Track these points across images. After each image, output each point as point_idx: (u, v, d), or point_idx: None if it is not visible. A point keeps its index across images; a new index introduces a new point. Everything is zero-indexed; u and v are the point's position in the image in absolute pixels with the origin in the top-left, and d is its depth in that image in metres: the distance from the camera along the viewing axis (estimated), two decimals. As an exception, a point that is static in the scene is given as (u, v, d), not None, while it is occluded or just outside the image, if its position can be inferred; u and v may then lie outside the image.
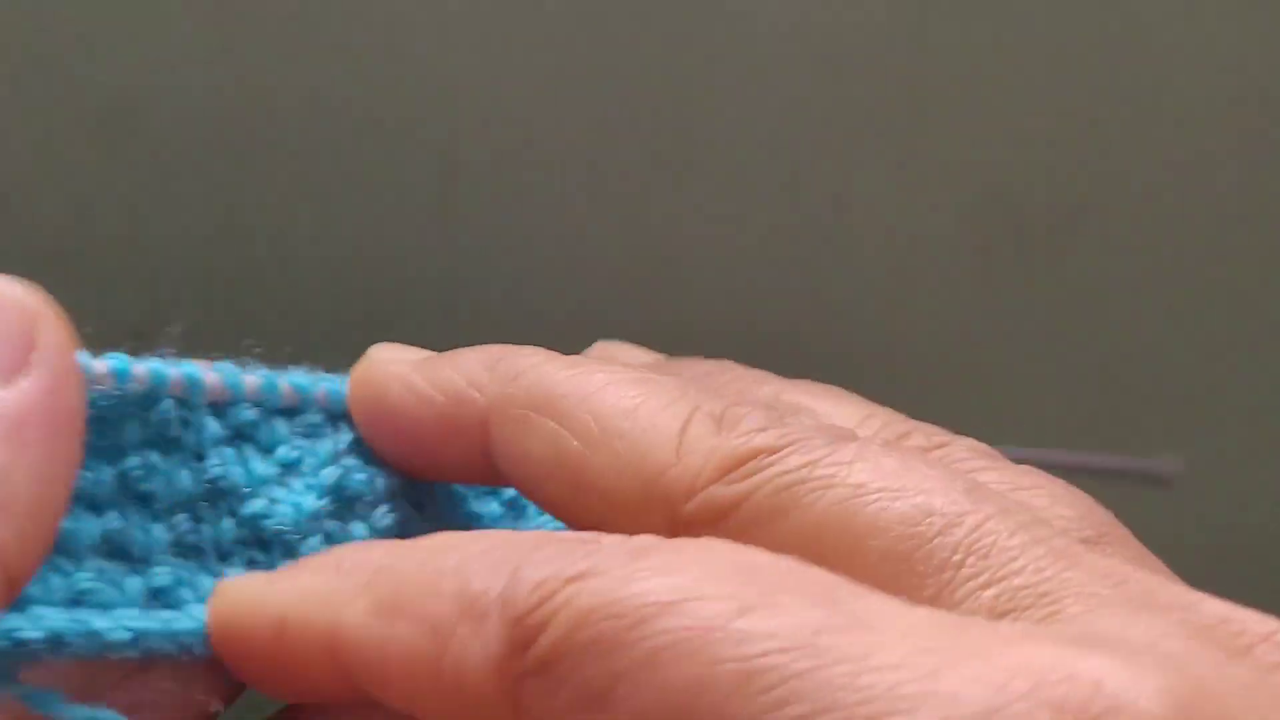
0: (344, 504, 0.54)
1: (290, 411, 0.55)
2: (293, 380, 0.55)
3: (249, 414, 0.53)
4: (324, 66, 0.83)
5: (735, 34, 0.85)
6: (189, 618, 0.49)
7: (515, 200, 0.87)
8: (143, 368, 0.51)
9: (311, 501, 0.53)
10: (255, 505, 0.52)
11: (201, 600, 0.50)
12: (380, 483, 0.54)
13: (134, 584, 0.49)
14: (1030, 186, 0.89)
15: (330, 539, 0.53)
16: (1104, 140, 0.88)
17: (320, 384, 0.55)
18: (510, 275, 0.85)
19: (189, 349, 0.54)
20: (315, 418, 0.55)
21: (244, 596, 0.48)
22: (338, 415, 0.55)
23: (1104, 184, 0.89)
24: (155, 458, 0.51)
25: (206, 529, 0.51)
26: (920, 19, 0.85)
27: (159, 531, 0.50)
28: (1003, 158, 0.88)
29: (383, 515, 0.54)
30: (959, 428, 0.54)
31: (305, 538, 0.52)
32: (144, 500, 0.51)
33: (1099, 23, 0.86)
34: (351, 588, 0.44)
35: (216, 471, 0.52)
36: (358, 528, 0.53)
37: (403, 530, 0.54)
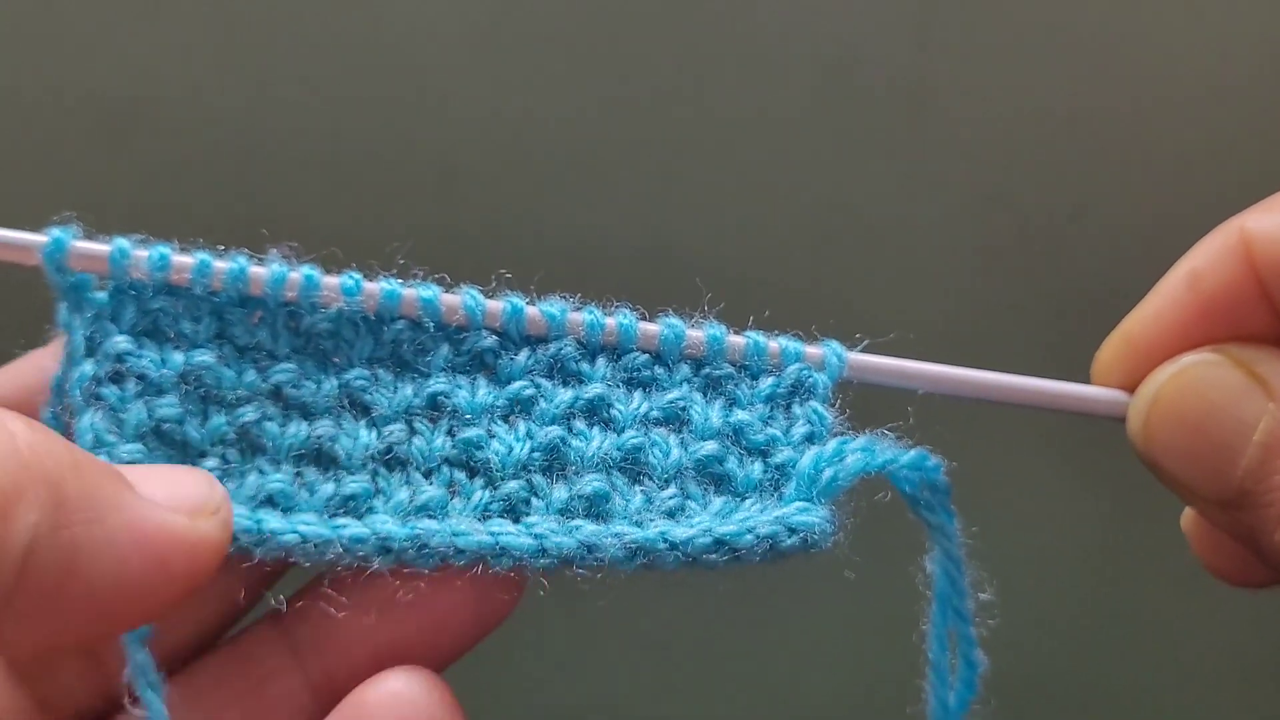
0: (555, 466, 0.54)
1: (536, 341, 0.54)
2: (544, 308, 0.54)
3: (488, 342, 0.54)
4: (325, 67, 0.84)
5: (736, 36, 0.85)
6: (364, 528, 0.51)
7: (516, 200, 0.87)
8: (374, 287, 0.52)
9: (524, 451, 0.53)
10: (471, 432, 0.53)
11: (392, 512, 0.52)
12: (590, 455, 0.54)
13: (326, 489, 0.52)
14: (1030, 186, 0.89)
15: (532, 490, 0.53)
16: (1104, 140, 0.88)
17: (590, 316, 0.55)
18: (514, 270, 0.85)
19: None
20: (570, 350, 0.54)
21: None
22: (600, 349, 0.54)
23: (1104, 184, 0.89)
24: (382, 372, 0.53)
25: (419, 442, 0.53)
26: (921, 20, 0.85)
27: (369, 438, 0.52)
28: (1003, 158, 0.88)
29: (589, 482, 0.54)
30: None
31: (507, 479, 0.53)
32: (364, 409, 0.53)
33: (1099, 24, 0.86)
34: None
35: (441, 388, 0.53)
36: (559, 493, 0.53)
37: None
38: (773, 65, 0.85)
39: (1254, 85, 0.86)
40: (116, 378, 0.50)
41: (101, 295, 0.51)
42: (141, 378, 0.50)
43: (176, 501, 0.46)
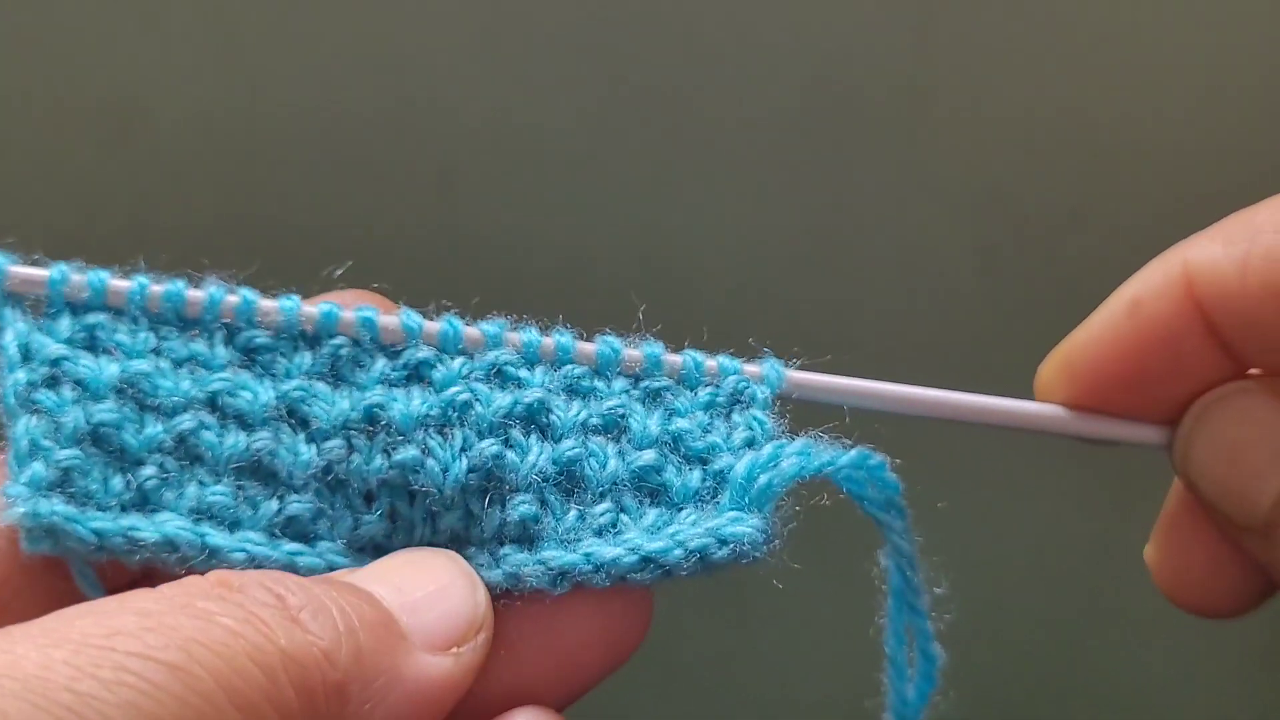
0: (492, 485, 0.53)
1: (467, 350, 0.54)
2: (483, 327, 0.54)
3: (424, 354, 0.53)
4: (324, 67, 0.85)
5: (736, 36, 0.84)
6: (314, 555, 0.51)
7: (516, 199, 0.87)
8: (311, 309, 0.52)
9: (461, 472, 0.52)
10: (407, 453, 0.52)
11: (334, 539, 0.52)
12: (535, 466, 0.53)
13: (270, 507, 0.52)
14: (1029, 187, 0.88)
15: (469, 517, 0.53)
16: (1104, 140, 0.87)
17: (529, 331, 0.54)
18: (511, 272, 0.86)
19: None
20: (509, 357, 0.54)
21: None
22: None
23: (1103, 184, 0.88)
24: (320, 385, 0.52)
25: (357, 459, 0.52)
26: (921, 20, 0.85)
27: (309, 454, 0.52)
28: (1002, 158, 0.87)
29: (518, 504, 0.53)
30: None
31: (445, 510, 0.53)
32: (303, 423, 0.52)
33: (1099, 24, 0.85)
34: None
35: (377, 399, 0.52)
36: (492, 519, 0.53)
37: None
38: (772, 65, 0.85)
39: (1254, 85, 0.85)
40: (52, 383, 0.50)
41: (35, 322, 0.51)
42: (78, 383, 0.50)
43: (448, 629, 0.48)
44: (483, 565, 0.52)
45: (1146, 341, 0.53)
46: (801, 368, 0.56)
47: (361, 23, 0.85)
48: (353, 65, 0.85)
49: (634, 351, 0.55)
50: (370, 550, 0.53)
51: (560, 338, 0.54)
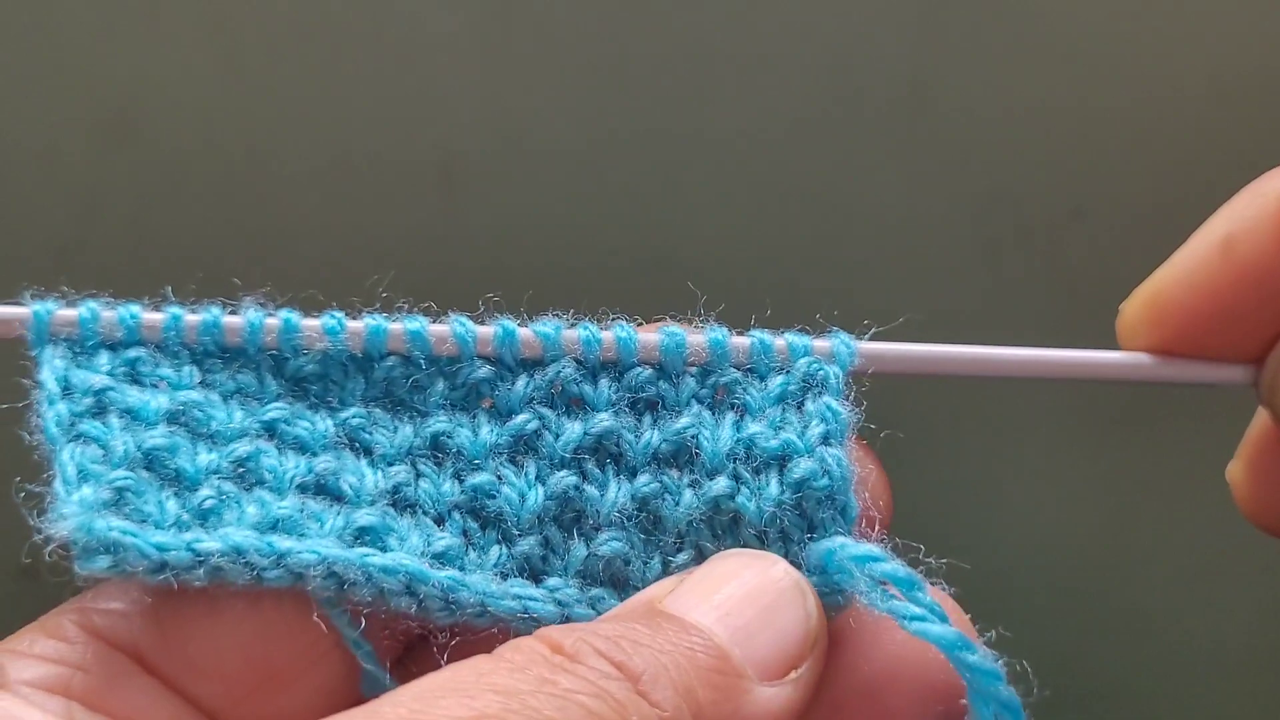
0: (569, 514, 0.51)
1: (532, 365, 0.51)
2: (537, 329, 0.51)
3: (482, 372, 0.51)
4: (325, 67, 0.83)
5: (737, 35, 0.84)
6: (388, 555, 0.48)
7: (516, 198, 0.86)
8: (358, 325, 0.50)
9: (537, 500, 0.51)
10: (480, 478, 0.50)
11: (408, 551, 0.49)
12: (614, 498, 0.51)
13: (337, 522, 0.49)
14: (1030, 185, 0.88)
15: (549, 546, 0.51)
16: (1104, 140, 0.87)
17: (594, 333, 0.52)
18: (514, 271, 0.84)
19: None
20: (570, 372, 0.51)
21: None
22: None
23: (1104, 183, 0.88)
24: (378, 412, 0.50)
25: (426, 485, 0.50)
26: (921, 20, 0.85)
27: (375, 477, 0.50)
28: (1003, 156, 0.87)
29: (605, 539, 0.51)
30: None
31: (524, 534, 0.50)
32: (365, 451, 0.50)
33: (1099, 23, 0.85)
34: None
35: (441, 427, 0.50)
36: (578, 550, 0.51)
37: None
38: (772, 63, 0.85)
39: (1254, 85, 0.85)
40: (98, 412, 0.48)
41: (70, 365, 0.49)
42: (127, 412, 0.48)
43: (785, 652, 0.45)
44: (576, 601, 0.50)
45: (1241, 280, 0.51)
46: (873, 337, 0.53)
47: (362, 23, 0.84)
48: (353, 65, 0.84)
49: (698, 338, 0.52)
50: (447, 567, 0.50)
51: (621, 333, 0.52)
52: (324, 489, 0.50)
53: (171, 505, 0.48)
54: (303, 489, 0.49)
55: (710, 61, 0.84)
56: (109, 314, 0.49)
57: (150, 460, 0.48)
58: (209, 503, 0.48)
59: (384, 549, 0.49)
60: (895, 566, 0.47)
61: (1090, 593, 0.93)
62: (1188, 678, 0.96)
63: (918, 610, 0.46)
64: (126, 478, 0.47)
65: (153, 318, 0.49)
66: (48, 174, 0.84)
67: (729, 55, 0.84)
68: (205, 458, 0.49)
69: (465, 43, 0.83)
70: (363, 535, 0.49)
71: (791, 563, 0.49)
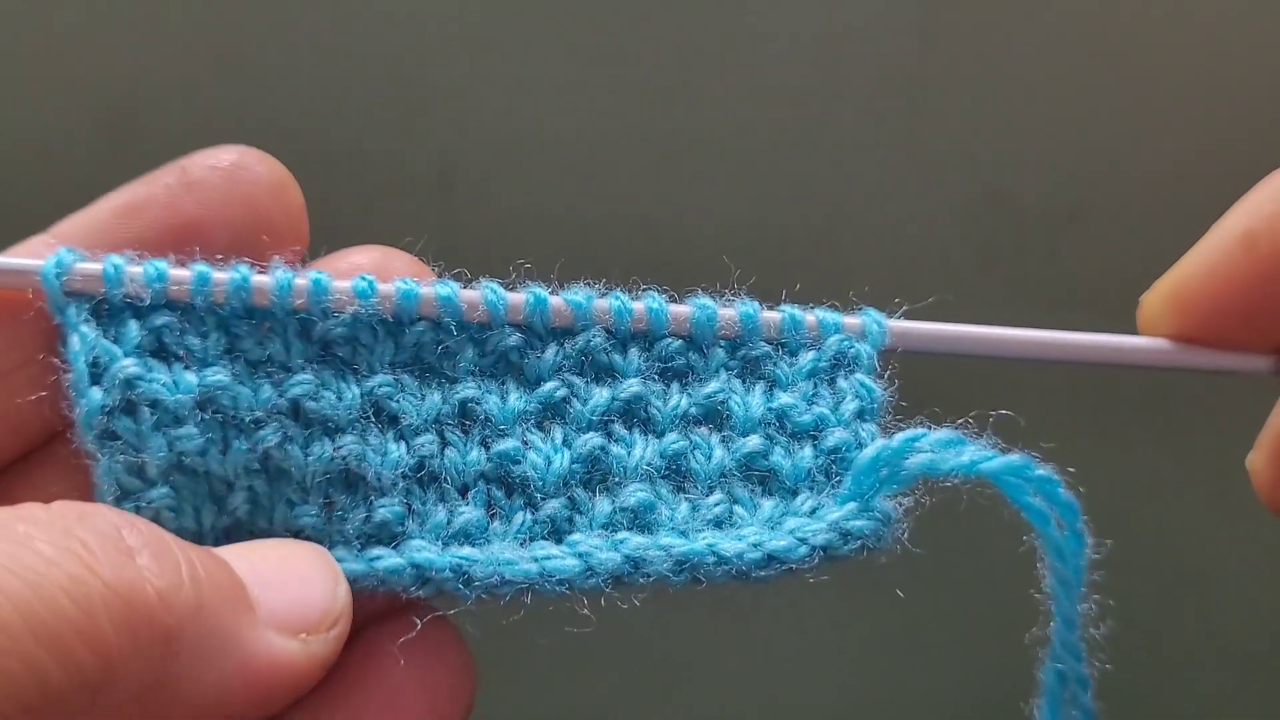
0: (596, 477, 0.51)
1: (562, 334, 0.51)
2: (568, 298, 0.51)
3: (513, 340, 0.51)
4: (324, 67, 0.83)
5: (737, 35, 0.84)
6: (397, 556, 0.49)
7: (516, 198, 0.86)
8: (389, 287, 0.49)
9: (563, 463, 0.50)
10: (507, 444, 0.50)
11: (429, 535, 0.49)
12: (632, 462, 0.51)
13: (358, 516, 0.49)
14: (1029, 186, 0.88)
15: (575, 506, 0.51)
16: (1104, 140, 0.87)
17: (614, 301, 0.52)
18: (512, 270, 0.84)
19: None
20: (599, 341, 0.51)
21: None
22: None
23: (1104, 184, 0.88)
24: (407, 379, 0.50)
25: (452, 454, 0.50)
26: (921, 19, 0.85)
27: (399, 453, 0.50)
28: (1002, 156, 0.87)
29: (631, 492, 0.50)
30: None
31: (549, 498, 0.50)
32: (391, 420, 0.50)
33: (1099, 23, 0.86)
34: None
35: (470, 393, 0.50)
36: (602, 506, 0.50)
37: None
38: (771, 61, 0.85)
39: (1254, 85, 0.86)
40: (130, 408, 0.47)
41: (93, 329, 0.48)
42: (155, 404, 0.47)
43: (300, 615, 0.45)
44: (599, 549, 0.49)
45: (1264, 275, 0.51)
46: (904, 316, 0.53)
47: (362, 23, 0.84)
48: (352, 65, 0.84)
49: (729, 311, 0.52)
50: (465, 544, 0.50)
51: (652, 303, 0.52)
52: (347, 476, 0.50)
53: (207, 513, 0.49)
54: (326, 482, 0.50)
55: (710, 61, 0.85)
56: (134, 269, 0.48)
57: (182, 464, 0.48)
58: (242, 509, 0.49)
59: (405, 536, 0.50)
60: (939, 434, 0.50)
61: (1101, 587, 0.93)
62: (1188, 678, 0.95)
63: (979, 454, 0.49)
64: (164, 496, 0.48)
65: (180, 274, 0.48)
66: (48, 174, 0.84)
67: (729, 55, 0.85)
68: (234, 448, 0.49)
69: (465, 43, 0.83)
70: (380, 530, 0.50)
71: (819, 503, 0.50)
